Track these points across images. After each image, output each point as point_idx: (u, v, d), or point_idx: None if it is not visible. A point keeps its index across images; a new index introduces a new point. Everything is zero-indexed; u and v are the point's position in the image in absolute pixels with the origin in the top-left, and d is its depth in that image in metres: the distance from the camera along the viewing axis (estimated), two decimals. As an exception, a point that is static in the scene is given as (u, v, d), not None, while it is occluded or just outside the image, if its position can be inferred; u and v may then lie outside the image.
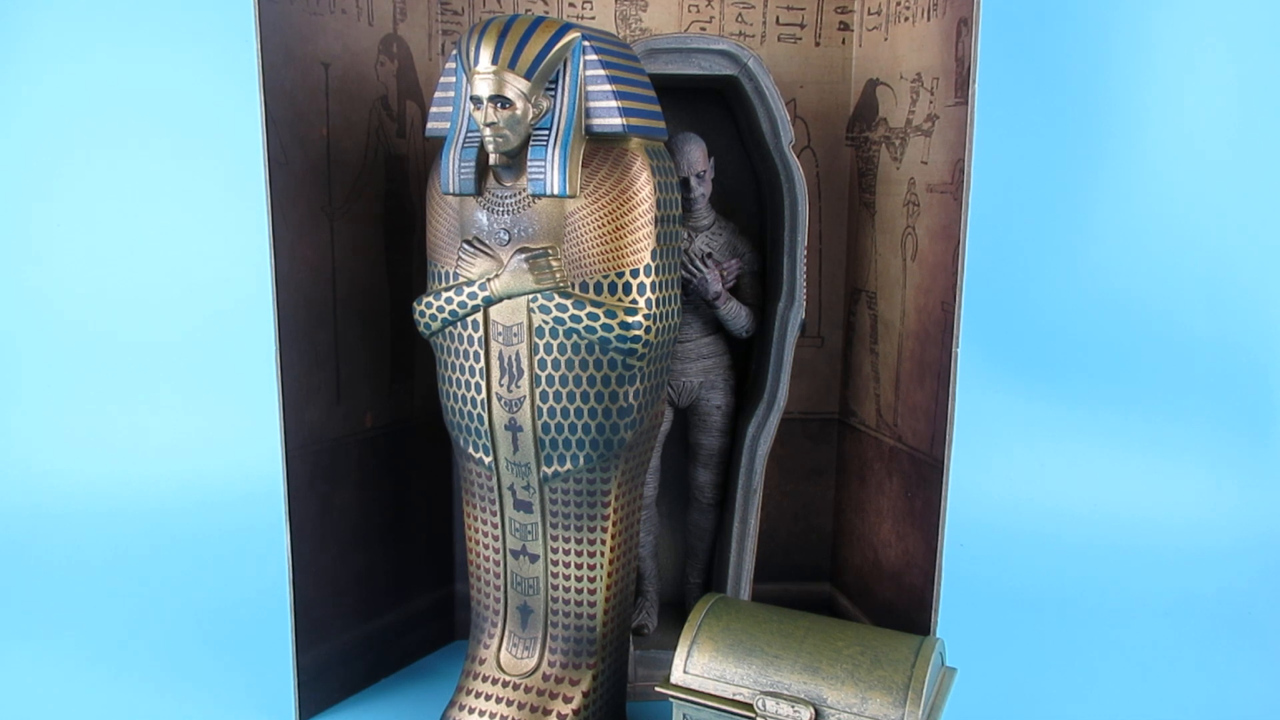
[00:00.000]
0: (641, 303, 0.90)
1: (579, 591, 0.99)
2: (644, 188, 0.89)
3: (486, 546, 1.02)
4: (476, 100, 0.87)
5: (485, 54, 0.86)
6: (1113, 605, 1.43)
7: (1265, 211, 1.78)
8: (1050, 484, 1.75)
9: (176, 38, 1.81)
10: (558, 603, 1.00)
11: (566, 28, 0.88)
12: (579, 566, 0.98)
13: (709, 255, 1.11)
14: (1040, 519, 1.68)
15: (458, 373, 0.96)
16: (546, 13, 1.19)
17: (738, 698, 0.89)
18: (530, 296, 0.91)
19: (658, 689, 0.92)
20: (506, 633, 1.03)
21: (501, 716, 0.99)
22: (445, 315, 0.95)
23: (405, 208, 1.18)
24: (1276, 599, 1.46)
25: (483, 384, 0.94)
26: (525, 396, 0.93)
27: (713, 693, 0.90)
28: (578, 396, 0.92)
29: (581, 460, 0.94)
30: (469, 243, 0.92)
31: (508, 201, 0.91)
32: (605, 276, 0.90)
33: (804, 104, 1.22)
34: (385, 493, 1.18)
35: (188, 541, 1.60)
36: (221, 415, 1.85)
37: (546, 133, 0.88)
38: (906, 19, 1.11)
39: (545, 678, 1.01)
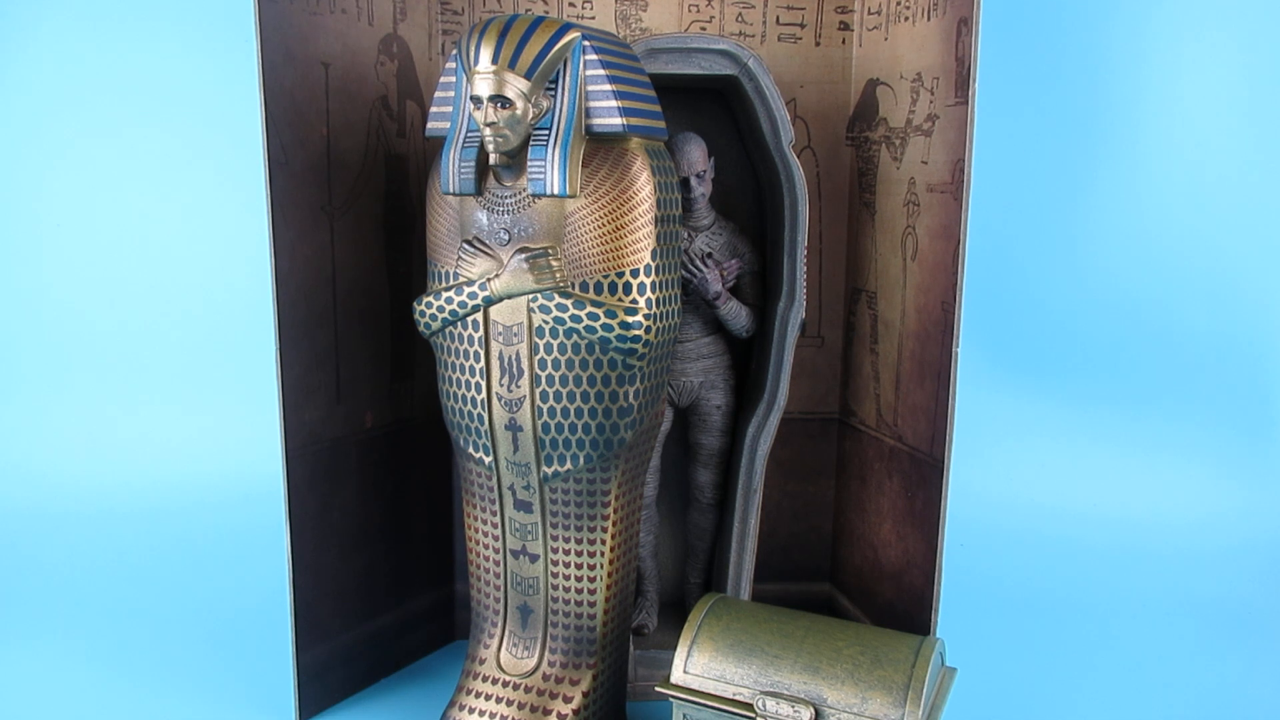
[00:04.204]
0: (641, 303, 0.90)
1: (579, 591, 0.99)
2: (644, 188, 0.89)
3: (486, 546, 1.02)
4: (476, 100, 0.87)
5: (485, 54, 0.86)
6: (1113, 605, 1.43)
7: (1265, 211, 1.78)
8: (1050, 484, 1.75)
9: (176, 38, 1.82)
10: (558, 603, 1.00)
11: (566, 27, 0.88)
12: (579, 566, 0.98)
13: (709, 255, 1.11)
14: (1040, 519, 1.68)
15: (458, 373, 0.96)
16: (546, 13, 1.19)
17: (738, 698, 0.89)
18: (530, 296, 0.91)
19: (658, 689, 0.92)
20: (506, 633, 1.03)
21: (501, 716, 0.99)
22: (445, 315, 0.95)
23: (405, 208, 1.18)
24: (1276, 599, 1.46)
25: (483, 384, 0.94)
26: (525, 396, 0.93)
27: (713, 693, 0.90)
28: (578, 396, 0.92)
29: (581, 460, 0.94)
30: (469, 243, 0.92)
31: (508, 201, 0.91)
32: (605, 276, 0.90)
33: (804, 104, 1.22)
34: (385, 493, 1.18)
35: (188, 541, 1.60)
36: (221, 415, 1.85)
37: (546, 133, 0.88)
38: (906, 19, 1.11)
39: (545, 678, 1.01)
